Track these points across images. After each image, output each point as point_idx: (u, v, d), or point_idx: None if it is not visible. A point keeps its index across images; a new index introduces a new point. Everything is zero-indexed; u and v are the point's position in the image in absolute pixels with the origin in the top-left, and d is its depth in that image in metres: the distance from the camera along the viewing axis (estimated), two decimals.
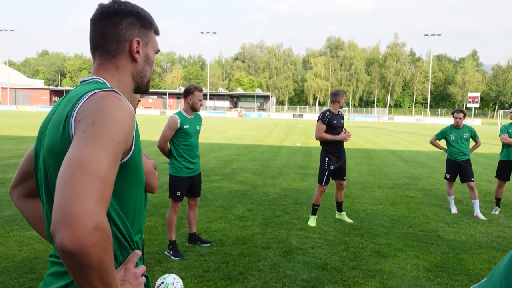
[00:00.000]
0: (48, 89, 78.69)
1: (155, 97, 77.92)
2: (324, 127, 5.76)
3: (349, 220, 6.07)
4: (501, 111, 54.17)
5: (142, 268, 1.17)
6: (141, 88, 1.36)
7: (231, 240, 5.09)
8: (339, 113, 5.95)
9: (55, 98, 77.70)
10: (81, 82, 1.25)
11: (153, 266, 4.21)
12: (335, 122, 5.75)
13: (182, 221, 5.68)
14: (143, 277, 1.17)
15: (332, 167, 5.82)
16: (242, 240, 5.09)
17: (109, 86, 1.20)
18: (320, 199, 5.99)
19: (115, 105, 1.08)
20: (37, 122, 30.41)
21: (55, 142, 1.11)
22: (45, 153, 1.15)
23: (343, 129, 5.87)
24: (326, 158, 5.84)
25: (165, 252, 4.59)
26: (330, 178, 5.95)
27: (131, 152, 1.14)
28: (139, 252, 1.19)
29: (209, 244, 4.89)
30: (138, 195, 1.23)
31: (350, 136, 5.77)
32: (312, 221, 5.93)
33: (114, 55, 1.26)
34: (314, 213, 6.00)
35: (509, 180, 7.02)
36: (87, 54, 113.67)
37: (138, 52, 1.28)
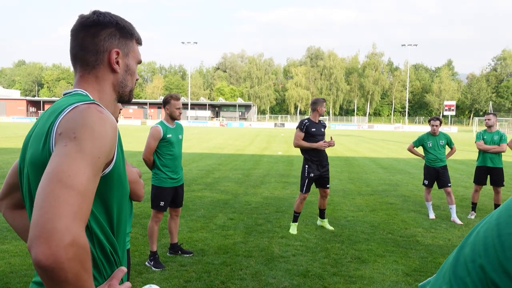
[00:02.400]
0: (25, 99, 76.97)
1: (136, 107, 77.20)
2: (302, 134, 5.85)
3: (330, 228, 6.12)
4: (476, 118, 55.76)
5: (126, 285, 1.16)
6: (124, 98, 1.36)
7: (212, 249, 5.07)
8: (321, 121, 6.03)
9: (32, 109, 76.03)
10: (64, 95, 1.25)
11: (134, 277, 4.15)
12: (313, 130, 5.83)
13: (163, 232, 5.63)
14: None
15: (312, 175, 5.87)
16: (224, 249, 5.08)
17: (91, 98, 1.20)
18: (301, 207, 6.03)
19: (96, 118, 1.08)
20: (13, 133, 29.67)
21: (36, 155, 1.11)
22: (28, 166, 1.15)
23: (330, 138, 5.98)
24: (307, 166, 5.91)
25: (146, 263, 4.54)
26: (312, 186, 6.01)
27: (113, 164, 1.14)
28: (124, 269, 1.18)
29: (191, 254, 4.85)
30: (123, 205, 1.24)
31: (329, 145, 5.79)
32: (293, 229, 5.96)
33: (94, 66, 1.26)
34: (295, 220, 6.03)
35: (485, 184, 7.22)
36: (66, 63, 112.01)
37: (118, 62, 1.28)
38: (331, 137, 5.99)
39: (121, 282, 1.19)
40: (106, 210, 1.17)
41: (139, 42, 1.38)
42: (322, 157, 5.92)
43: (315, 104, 5.94)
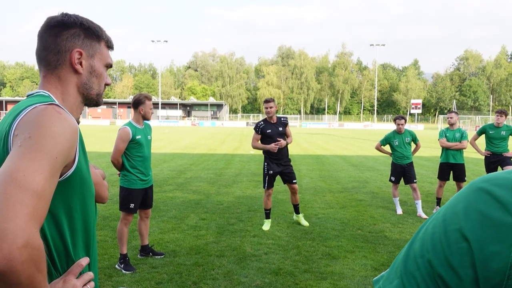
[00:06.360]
0: None
1: (104, 106, 75.37)
2: (259, 136, 6.01)
3: (305, 223, 6.23)
4: (441, 116, 57.82)
5: (85, 278, 1.14)
6: (91, 101, 1.33)
7: (184, 250, 5.04)
8: (282, 119, 6.07)
9: None
10: (27, 96, 1.23)
11: (104, 281, 4.08)
12: (269, 131, 5.92)
13: (133, 234, 5.54)
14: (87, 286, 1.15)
15: (271, 172, 5.99)
16: (196, 249, 5.06)
17: (52, 99, 1.18)
18: (269, 203, 6.13)
19: (54, 118, 1.06)
20: None
21: None
22: None
23: (285, 139, 6.02)
24: (266, 163, 6.08)
25: (116, 266, 4.46)
26: (282, 185, 6.10)
27: (74, 166, 1.13)
28: (83, 263, 1.16)
29: (162, 256, 4.81)
30: (87, 208, 1.22)
31: (277, 146, 5.83)
32: (266, 225, 6.06)
33: (56, 66, 1.24)
34: (267, 217, 6.15)
35: (448, 180, 7.51)
36: (30, 62, 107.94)
37: (81, 63, 1.26)
38: (280, 139, 5.92)
39: (80, 274, 1.17)
40: (69, 214, 1.15)
41: (109, 45, 1.36)
42: (281, 155, 6.01)
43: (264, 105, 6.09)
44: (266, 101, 5.99)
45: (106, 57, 1.35)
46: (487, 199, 0.55)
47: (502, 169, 7.49)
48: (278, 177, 6.20)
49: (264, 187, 6.09)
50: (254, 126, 6.08)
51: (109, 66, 1.37)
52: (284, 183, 6.21)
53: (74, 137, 1.10)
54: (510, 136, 7.52)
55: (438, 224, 0.59)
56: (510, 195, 0.54)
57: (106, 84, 1.38)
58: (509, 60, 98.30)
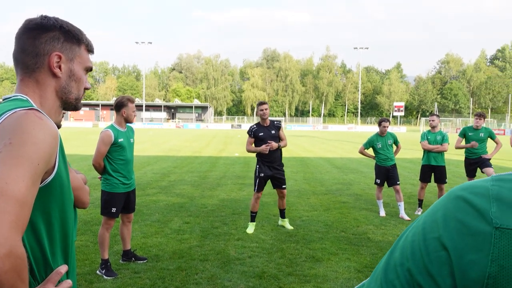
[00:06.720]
0: None
1: (87, 108, 74.36)
2: (252, 140, 6.04)
3: (290, 227, 6.23)
4: (423, 119, 58.87)
5: (64, 286, 1.11)
6: (69, 106, 1.31)
7: (167, 254, 4.99)
8: (275, 123, 6.12)
9: None
10: (3, 100, 1.20)
11: None
12: (261, 134, 5.96)
13: (115, 238, 5.46)
14: None
15: (262, 174, 6.00)
16: (179, 254, 5.01)
17: (31, 103, 1.16)
18: (257, 206, 6.12)
19: (34, 124, 1.04)
20: None
21: None
22: None
23: (278, 142, 6.04)
24: (257, 166, 6.08)
25: (97, 271, 4.38)
26: (269, 188, 6.11)
27: (54, 172, 1.11)
28: (62, 271, 1.13)
29: (145, 261, 4.75)
30: (66, 214, 1.20)
31: (268, 147, 5.85)
32: (250, 228, 6.04)
33: (34, 69, 1.21)
34: (252, 220, 6.14)
35: (430, 182, 7.63)
36: (9, 62, 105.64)
37: (60, 67, 1.24)
38: (271, 142, 5.94)
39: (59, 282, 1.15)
40: (47, 221, 1.13)
41: (89, 49, 1.34)
42: (273, 158, 6.02)
43: (257, 109, 6.12)
44: (262, 103, 6.04)
45: (86, 61, 1.32)
46: (465, 208, 0.55)
47: (482, 171, 7.65)
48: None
49: (254, 189, 6.09)
50: (247, 130, 6.12)
51: (89, 70, 1.35)
52: (274, 188, 6.23)
53: (55, 143, 1.08)
54: (488, 138, 7.69)
55: (418, 232, 0.59)
56: (487, 203, 0.54)
57: (86, 89, 1.36)
58: (488, 64, 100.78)
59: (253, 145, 6.05)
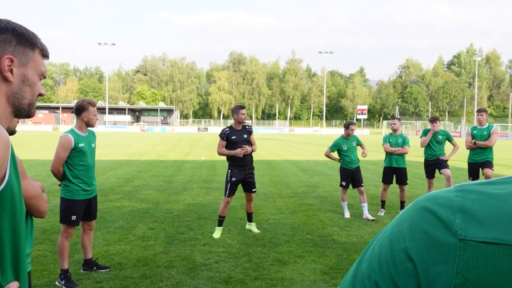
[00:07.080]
0: None
1: (46, 111, 71.51)
2: (224, 143, 6.01)
3: (256, 231, 6.23)
4: (385, 121, 60.72)
5: None
6: (22, 112, 1.23)
7: (131, 262, 4.85)
8: (246, 127, 6.12)
9: None
10: None
11: None
12: (234, 137, 5.95)
13: (76, 247, 5.25)
14: None
15: (234, 179, 5.97)
16: (144, 261, 4.89)
17: None
18: (226, 211, 6.09)
19: None
20: None
21: None
22: None
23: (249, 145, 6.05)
24: (229, 170, 6.05)
25: (56, 282, 4.20)
26: (238, 191, 6.09)
27: (4, 182, 1.05)
28: (13, 286, 1.07)
29: (107, 269, 4.59)
30: (18, 227, 1.13)
31: (243, 151, 5.87)
32: (217, 233, 5.99)
33: None
34: (220, 224, 6.09)
35: (392, 183, 7.86)
36: None
37: (12, 71, 1.17)
38: (245, 146, 5.99)
39: None
40: None
41: (44, 53, 1.27)
42: (245, 162, 6.02)
43: (233, 112, 6.11)
44: (242, 108, 6.07)
45: (40, 66, 1.26)
46: (430, 219, 0.55)
47: (439, 172, 7.95)
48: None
49: (225, 194, 6.04)
50: (219, 133, 6.09)
51: (43, 75, 1.28)
52: (244, 191, 6.21)
53: (6, 150, 1.03)
54: (446, 141, 8.01)
55: (384, 244, 0.59)
56: (452, 214, 0.54)
57: (40, 95, 1.29)
58: (445, 69, 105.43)
59: (224, 148, 6.02)
